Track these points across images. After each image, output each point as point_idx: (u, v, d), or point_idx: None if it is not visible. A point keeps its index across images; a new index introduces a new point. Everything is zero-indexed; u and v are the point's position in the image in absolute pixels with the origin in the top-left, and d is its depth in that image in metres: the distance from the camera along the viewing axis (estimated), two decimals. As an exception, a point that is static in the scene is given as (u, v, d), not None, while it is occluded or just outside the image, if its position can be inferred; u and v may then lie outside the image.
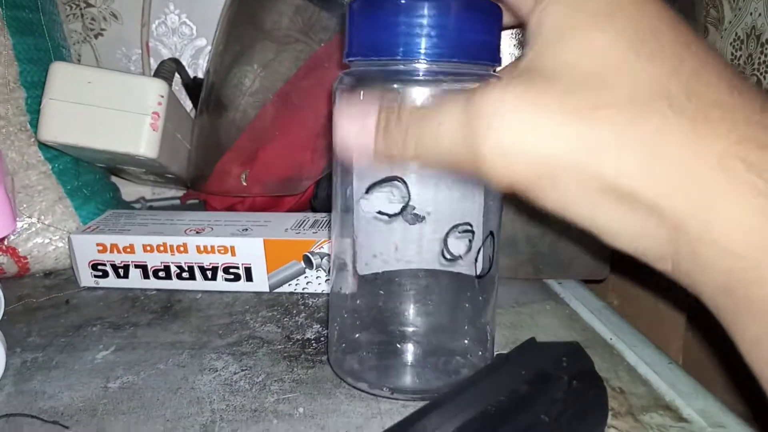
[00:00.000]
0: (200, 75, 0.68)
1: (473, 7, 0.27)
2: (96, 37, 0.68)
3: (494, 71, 0.29)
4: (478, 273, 0.33)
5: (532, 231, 0.43)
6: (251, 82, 0.56)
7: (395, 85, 0.28)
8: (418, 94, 0.28)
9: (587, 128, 0.21)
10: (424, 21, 0.27)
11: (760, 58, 0.54)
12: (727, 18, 0.57)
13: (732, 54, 0.57)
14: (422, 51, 0.27)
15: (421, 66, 0.28)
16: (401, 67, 0.28)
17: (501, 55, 0.29)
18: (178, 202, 0.63)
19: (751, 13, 0.55)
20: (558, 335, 0.38)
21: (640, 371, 0.35)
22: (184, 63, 0.67)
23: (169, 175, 0.55)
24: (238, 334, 0.40)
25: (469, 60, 0.28)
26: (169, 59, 0.60)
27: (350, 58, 0.29)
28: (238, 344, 0.39)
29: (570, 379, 0.26)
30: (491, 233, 0.32)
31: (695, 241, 0.21)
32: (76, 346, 0.39)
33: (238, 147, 0.54)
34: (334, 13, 0.53)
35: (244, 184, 0.53)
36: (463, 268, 0.33)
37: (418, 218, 0.31)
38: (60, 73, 0.43)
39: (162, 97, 0.44)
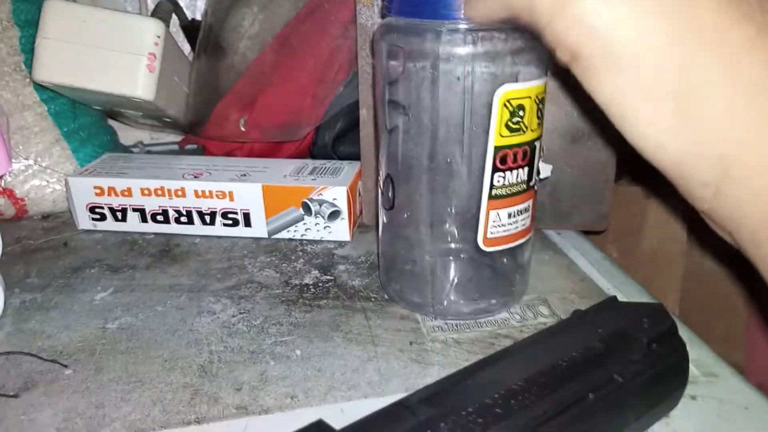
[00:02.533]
0: (198, 17, 0.66)
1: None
2: (91, -25, 0.66)
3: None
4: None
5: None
6: (250, 24, 0.54)
7: (437, 47, 0.28)
8: (459, 52, 0.29)
9: (681, 20, 0.20)
10: None
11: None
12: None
13: None
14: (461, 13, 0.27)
15: (462, 26, 0.28)
16: (443, 27, 0.28)
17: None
18: (176, 147, 0.62)
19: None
20: (556, 285, 0.38)
21: (635, 321, 0.35)
22: (182, 4, 0.65)
23: (167, 119, 0.54)
24: (236, 278, 0.40)
25: None
26: (167, 0, 0.58)
27: (392, 14, 0.29)
28: (236, 288, 0.39)
29: (649, 342, 0.25)
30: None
31: (756, 161, 0.20)
32: (75, 287, 0.39)
33: (237, 91, 0.53)
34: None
35: (243, 129, 0.52)
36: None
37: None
38: (54, 11, 0.42)
39: (158, 37, 0.43)
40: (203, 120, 0.54)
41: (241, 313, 0.36)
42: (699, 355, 0.31)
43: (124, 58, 0.42)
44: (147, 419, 0.28)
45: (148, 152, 0.64)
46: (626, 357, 0.25)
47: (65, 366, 0.32)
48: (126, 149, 0.58)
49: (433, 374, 0.30)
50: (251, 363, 0.32)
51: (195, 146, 0.59)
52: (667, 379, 0.26)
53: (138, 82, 0.43)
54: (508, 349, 0.26)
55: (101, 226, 0.46)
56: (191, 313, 0.36)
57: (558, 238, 0.44)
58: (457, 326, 0.34)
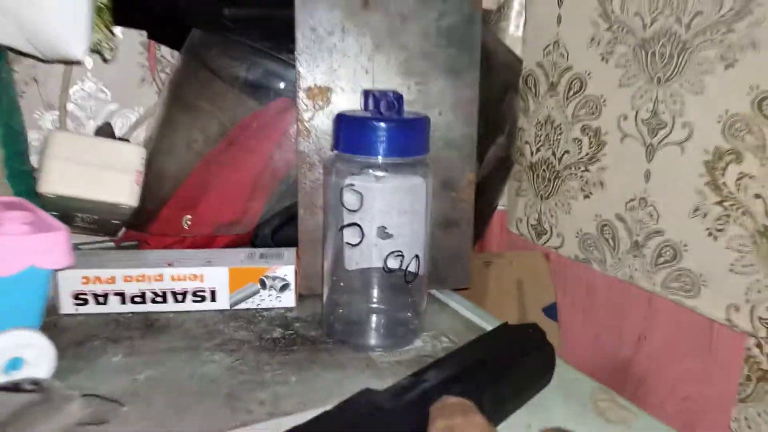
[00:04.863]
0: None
1: (411, 125, 0.46)
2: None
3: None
4: (406, 279, 0.50)
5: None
6: (185, 146, 0.68)
7: (370, 170, 0.46)
8: (381, 174, 0.47)
9: None
10: (383, 135, 0.45)
11: (553, 136, 0.79)
12: (532, 108, 0.82)
13: (536, 133, 0.82)
14: (381, 151, 0.45)
15: (381, 160, 0.46)
16: (371, 159, 0.46)
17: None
18: (111, 244, 0.72)
19: (546, 107, 0.80)
20: (449, 324, 0.56)
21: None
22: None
23: (114, 221, 0.65)
24: (219, 338, 0.53)
25: (409, 155, 0.47)
26: (106, 123, 0.70)
27: (339, 150, 0.47)
28: (224, 345, 0.51)
29: (532, 347, 0.44)
30: (416, 256, 0.50)
31: None
32: (88, 355, 0.49)
33: (179, 196, 0.66)
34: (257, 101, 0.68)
35: (186, 227, 0.65)
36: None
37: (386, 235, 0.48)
38: (59, 139, 0.53)
39: (143, 159, 0.56)
40: (152, 219, 0.65)
41: (237, 360, 0.49)
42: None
43: (116, 174, 0.54)
44: (206, 427, 0.40)
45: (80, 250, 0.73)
46: (520, 355, 0.44)
47: (122, 405, 0.42)
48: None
49: (389, 382, 0.46)
50: (263, 388, 0.45)
51: (134, 242, 0.70)
52: (545, 367, 0.45)
53: (130, 193, 0.55)
54: (444, 358, 0.43)
55: (82, 309, 0.56)
56: (198, 364, 0.48)
57: (441, 295, 0.63)
58: (395, 353, 0.51)
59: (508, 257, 0.82)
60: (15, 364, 0.42)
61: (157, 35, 0.75)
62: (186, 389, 0.45)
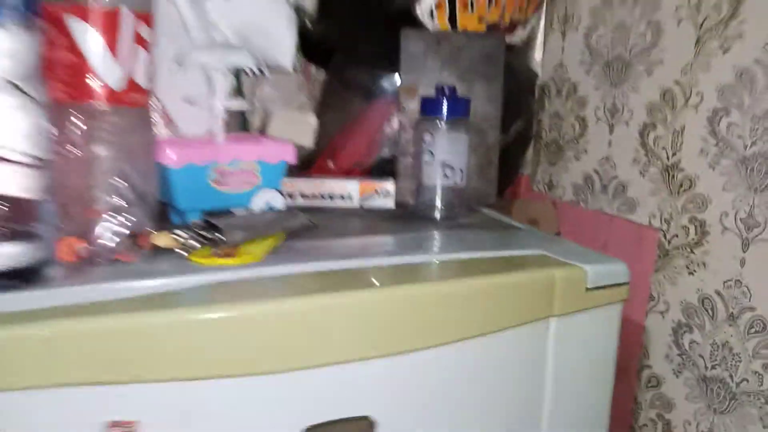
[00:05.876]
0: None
1: (459, 101, 0.92)
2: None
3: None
4: (455, 185, 0.95)
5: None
6: (328, 125, 1.16)
7: (437, 122, 0.92)
8: (443, 126, 0.92)
9: None
10: (444, 105, 0.91)
11: (557, 123, 1.22)
12: (547, 106, 1.26)
13: (549, 122, 1.25)
14: (444, 113, 0.91)
15: (443, 119, 0.92)
16: (437, 117, 0.92)
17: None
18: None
19: (555, 104, 1.23)
20: (477, 216, 1.00)
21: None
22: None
23: (290, 164, 1.13)
24: (356, 214, 0.99)
25: (457, 116, 0.92)
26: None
27: (422, 114, 0.93)
28: (358, 217, 0.97)
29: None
30: (461, 170, 0.95)
31: None
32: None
33: (327, 150, 1.13)
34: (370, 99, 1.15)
35: (332, 167, 1.12)
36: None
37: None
38: (277, 114, 1.02)
39: (316, 123, 1.04)
40: (309, 164, 1.13)
41: (365, 222, 0.95)
42: (529, 226, 0.95)
43: (305, 129, 1.02)
44: (357, 234, 0.86)
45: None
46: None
47: (316, 225, 0.89)
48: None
49: (442, 228, 0.91)
50: (379, 232, 0.91)
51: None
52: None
53: (311, 139, 1.03)
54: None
55: (281, 202, 1.03)
56: (347, 221, 0.94)
57: (476, 208, 1.07)
58: (448, 222, 0.95)
59: (526, 202, 1.25)
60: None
61: (310, 58, 1.24)
62: (343, 228, 0.91)
